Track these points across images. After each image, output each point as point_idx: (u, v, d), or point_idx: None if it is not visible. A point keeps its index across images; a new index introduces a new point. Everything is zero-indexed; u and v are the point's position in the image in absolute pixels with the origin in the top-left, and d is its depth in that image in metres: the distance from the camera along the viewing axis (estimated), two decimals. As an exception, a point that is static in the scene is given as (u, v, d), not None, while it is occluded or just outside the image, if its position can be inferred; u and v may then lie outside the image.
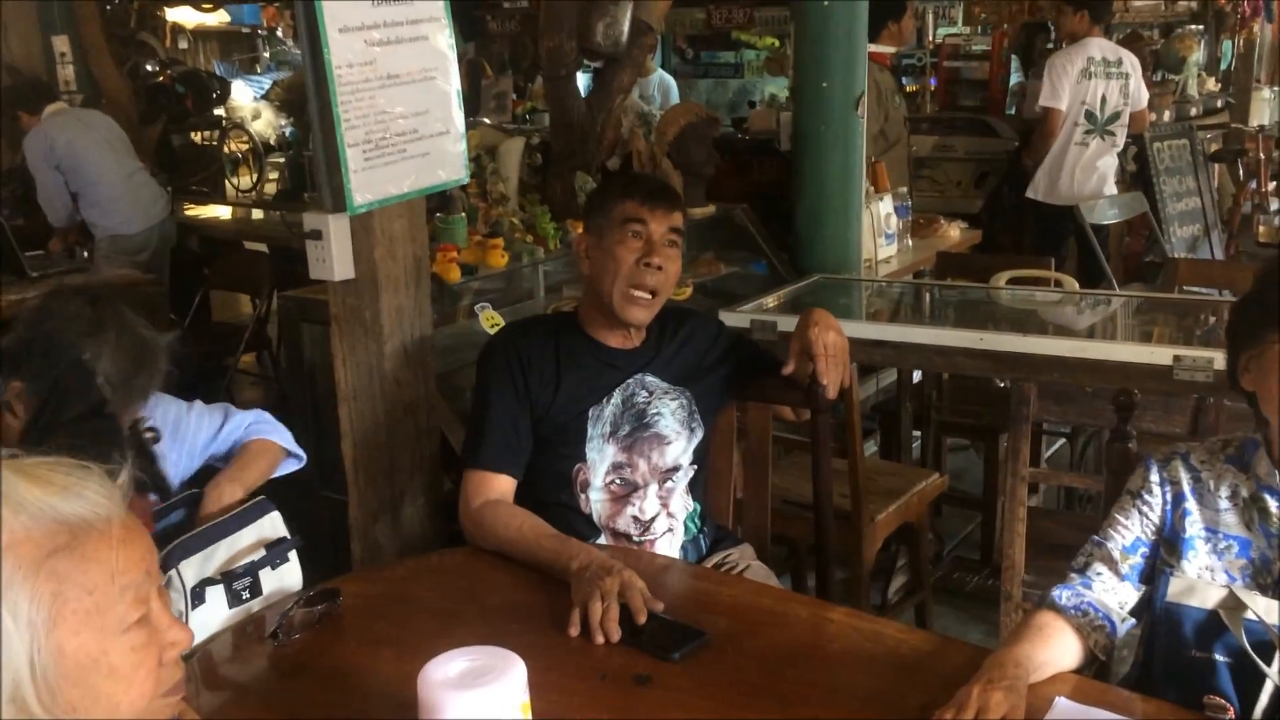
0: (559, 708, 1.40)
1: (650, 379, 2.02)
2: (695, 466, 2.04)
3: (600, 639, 1.56)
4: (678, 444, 2.01)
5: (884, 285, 3.64)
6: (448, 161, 2.30)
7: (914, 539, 2.98)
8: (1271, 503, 1.44)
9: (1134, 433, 1.75)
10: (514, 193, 3.69)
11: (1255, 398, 1.46)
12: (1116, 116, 5.17)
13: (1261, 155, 6.86)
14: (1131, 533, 1.54)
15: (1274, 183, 6.74)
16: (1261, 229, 4.64)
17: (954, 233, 4.82)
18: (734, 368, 2.13)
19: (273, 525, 1.89)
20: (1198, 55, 7.19)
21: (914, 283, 3.69)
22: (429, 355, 2.36)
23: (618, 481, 1.97)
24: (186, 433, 1.95)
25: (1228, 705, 1.35)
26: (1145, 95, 5.33)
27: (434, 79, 2.25)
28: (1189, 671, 1.41)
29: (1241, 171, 6.95)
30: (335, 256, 2.18)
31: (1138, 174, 6.14)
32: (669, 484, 2.00)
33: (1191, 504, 1.51)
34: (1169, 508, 1.53)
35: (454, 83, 2.28)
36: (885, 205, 4.33)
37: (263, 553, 1.83)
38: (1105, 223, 5.32)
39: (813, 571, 2.58)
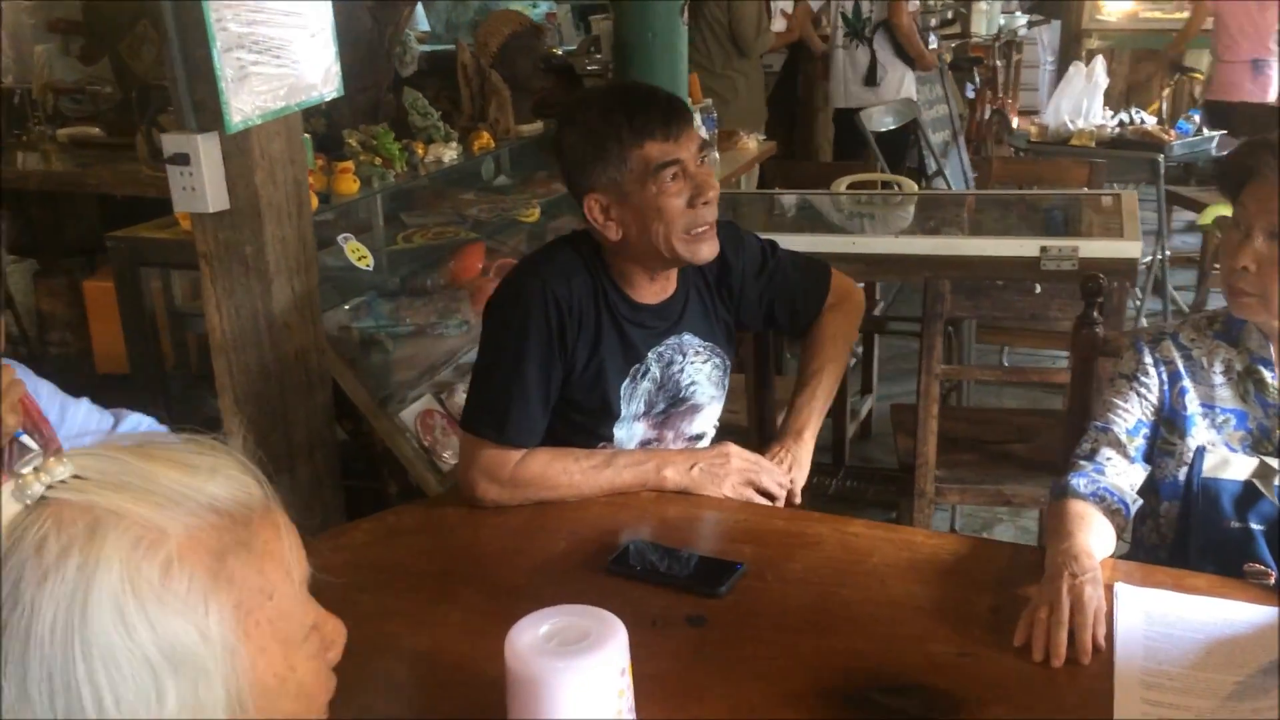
0: (626, 663, 1.26)
1: (686, 338, 1.76)
2: (716, 427, 1.87)
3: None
4: (710, 410, 1.83)
5: (732, 197, 3.59)
6: (321, 71, 2.02)
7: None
8: (1266, 374, 1.50)
9: (1100, 319, 1.78)
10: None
11: None
12: (869, 21, 5.32)
13: (998, 63, 7.36)
14: (1133, 415, 1.57)
15: (1005, 97, 7.23)
16: (1033, 129, 4.97)
17: (752, 145, 4.84)
18: (770, 308, 1.86)
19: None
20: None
21: (762, 193, 3.68)
22: (316, 293, 2.09)
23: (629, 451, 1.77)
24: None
25: (1269, 570, 1.41)
26: None
27: (303, -28, 1.95)
28: (1227, 543, 1.46)
29: (978, 79, 7.44)
30: (208, 183, 1.87)
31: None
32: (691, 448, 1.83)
33: (1187, 382, 1.55)
34: (1166, 387, 1.56)
35: (325, -23, 1.99)
36: (695, 118, 4.29)
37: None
38: (882, 130, 5.53)
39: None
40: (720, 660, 1.29)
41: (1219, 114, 5.28)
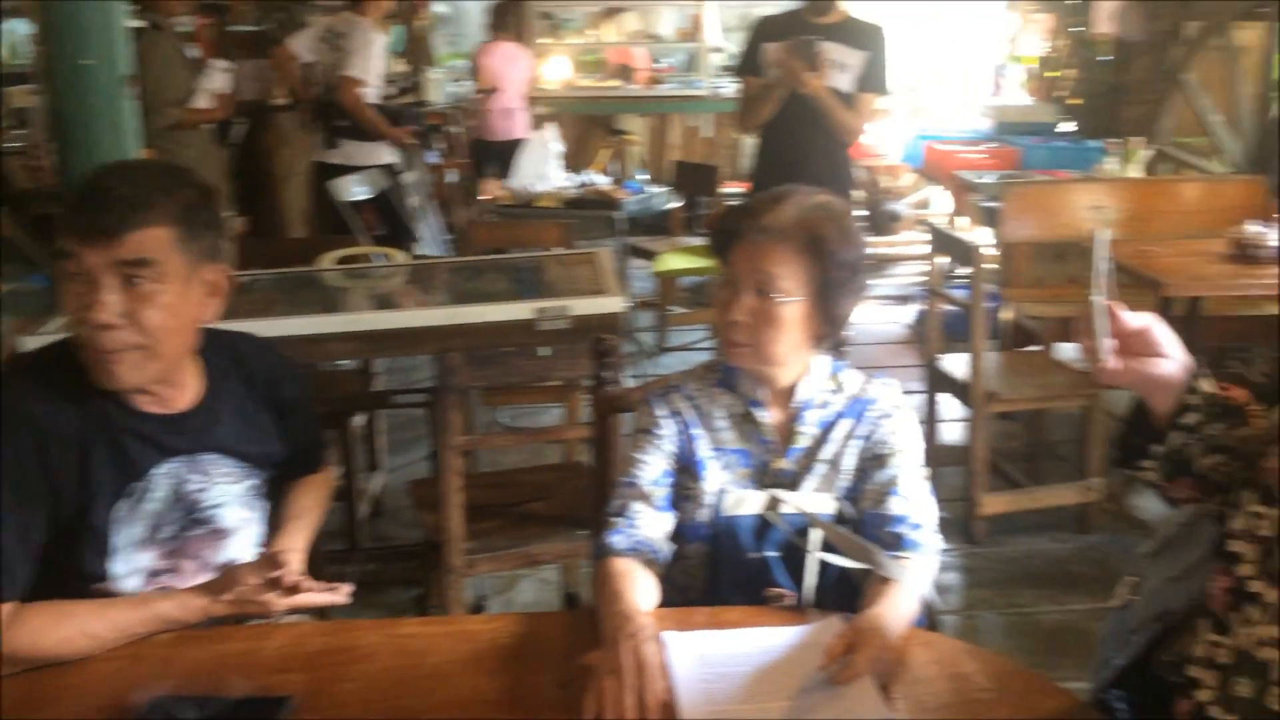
0: None
1: (210, 458, 1.54)
2: (259, 549, 1.62)
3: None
4: (244, 533, 1.59)
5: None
6: None
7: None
8: (760, 414, 1.65)
9: (616, 378, 1.85)
10: None
11: None
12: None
13: (455, 130, 7.60)
14: (654, 467, 1.65)
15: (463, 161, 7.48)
16: (503, 193, 5.20)
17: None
18: (284, 442, 1.66)
19: None
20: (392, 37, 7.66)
21: (238, 275, 3.41)
22: None
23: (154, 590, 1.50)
24: None
25: (785, 592, 1.54)
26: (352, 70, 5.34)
27: None
28: (750, 573, 1.57)
29: (439, 145, 7.64)
30: None
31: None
32: None
33: (697, 429, 1.66)
34: (680, 437, 1.66)
35: None
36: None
37: None
38: (355, 199, 5.45)
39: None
40: (285, 816, 1.15)
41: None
